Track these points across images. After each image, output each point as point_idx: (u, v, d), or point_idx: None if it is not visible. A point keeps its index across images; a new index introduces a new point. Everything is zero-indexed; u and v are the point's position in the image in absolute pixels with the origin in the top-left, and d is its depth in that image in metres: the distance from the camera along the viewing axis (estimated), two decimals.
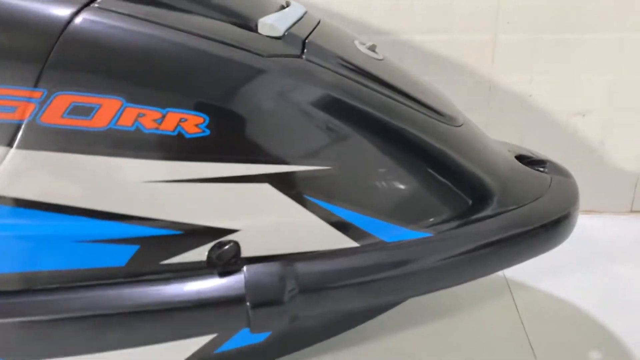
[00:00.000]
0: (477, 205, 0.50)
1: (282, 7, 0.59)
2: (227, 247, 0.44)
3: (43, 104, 0.41)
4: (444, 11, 0.87)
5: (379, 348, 0.63)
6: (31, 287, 0.43)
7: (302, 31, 0.51)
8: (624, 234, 0.93)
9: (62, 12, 0.43)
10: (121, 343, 0.43)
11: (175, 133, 0.42)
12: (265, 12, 0.53)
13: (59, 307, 0.43)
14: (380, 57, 0.55)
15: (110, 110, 0.42)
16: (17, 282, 0.43)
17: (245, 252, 0.44)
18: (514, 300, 0.75)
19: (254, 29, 0.48)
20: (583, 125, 0.93)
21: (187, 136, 0.43)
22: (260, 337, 0.49)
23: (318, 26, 0.54)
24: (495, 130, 0.91)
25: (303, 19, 0.54)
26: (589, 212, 0.96)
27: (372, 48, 0.56)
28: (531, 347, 0.65)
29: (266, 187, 0.44)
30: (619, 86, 0.90)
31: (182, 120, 0.42)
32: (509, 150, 0.61)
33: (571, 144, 0.94)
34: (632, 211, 0.97)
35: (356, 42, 0.56)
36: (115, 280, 0.43)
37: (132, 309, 0.43)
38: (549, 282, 0.78)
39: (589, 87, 0.90)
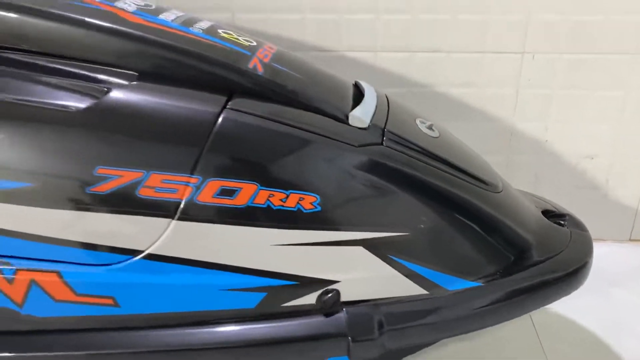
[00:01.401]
0: (517, 258, 0.64)
1: (355, 86, 0.73)
2: (330, 294, 0.58)
3: (198, 187, 0.55)
4: (474, 69, 1.01)
5: None
6: (185, 322, 0.57)
7: (380, 119, 0.64)
8: (624, 261, 1.08)
9: (207, 116, 0.56)
10: None
11: (296, 209, 0.56)
12: (347, 98, 0.67)
13: (206, 338, 0.57)
14: (437, 135, 0.69)
15: (248, 192, 0.55)
16: (175, 319, 0.57)
17: (344, 297, 0.58)
18: (532, 320, 0.89)
19: (345, 120, 0.62)
20: (591, 166, 1.07)
21: (304, 211, 0.56)
22: None
23: (389, 110, 0.68)
24: (515, 168, 1.06)
25: (378, 104, 0.68)
26: (594, 240, 1.11)
27: (430, 127, 0.70)
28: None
29: (360, 249, 0.58)
30: (621, 135, 1.05)
31: (301, 199, 0.56)
32: (536, 206, 0.75)
33: (580, 182, 1.09)
34: (630, 240, 1.12)
35: (417, 121, 0.70)
36: (247, 319, 0.57)
37: (260, 341, 0.57)
38: (562, 304, 0.93)
39: (596, 135, 1.05)
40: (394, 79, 1.02)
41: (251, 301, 0.57)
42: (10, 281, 0.56)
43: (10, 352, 0.58)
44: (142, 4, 0.68)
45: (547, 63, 1.00)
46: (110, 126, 0.56)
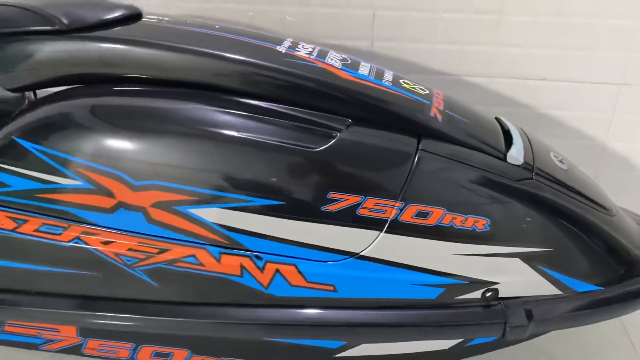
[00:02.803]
0: (626, 269, 0.83)
1: (498, 122, 0.91)
2: (492, 292, 0.78)
3: (401, 210, 0.75)
4: (574, 96, 1.17)
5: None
6: (382, 305, 0.78)
7: (528, 156, 0.83)
8: None
9: (407, 155, 0.76)
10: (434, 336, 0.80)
11: (472, 229, 0.76)
12: (499, 137, 0.85)
13: (397, 318, 0.78)
14: (566, 168, 0.87)
15: (437, 215, 0.75)
16: (376, 303, 0.78)
17: (502, 294, 0.78)
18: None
19: (504, 158, 0.80)
20: None
21: (478, 230, 0.76)
22: (488, 340, 0.84)
23: (532, 147, 0.86)
24: (606, 181, 1.22)
25: (522, 141, 0.86)
26: None
27: (561, 160, 0.88)
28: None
29: (517, 260, 0.77)
30: None
31: (476, 221, 0.75)
32: (637, 223, 0.93)
33: None
34: None
35: (552, 155, 0.88)
36: (428, 306, 0.78)
37: (437, 323, 0.78)
38: None
39: None
40: (505, 100, 1.19)
41: (433, 294, 0.78)
42: (261, 270, 0.77)
43: (252, 322, 0.80)
44: (341, 57, 0.86)
45: None
46: (339, 161, 0.75)
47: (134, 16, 0.86)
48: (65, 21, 0.80)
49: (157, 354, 0.88)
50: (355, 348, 0.83)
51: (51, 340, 0.91)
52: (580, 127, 1.20)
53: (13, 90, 0.85)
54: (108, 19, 0.83)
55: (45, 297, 0.83)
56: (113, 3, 0.89)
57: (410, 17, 1.14)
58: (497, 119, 0.93)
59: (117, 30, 0.83)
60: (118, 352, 0.90)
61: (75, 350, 0.91)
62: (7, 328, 0.90)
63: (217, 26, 0.88)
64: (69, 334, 0.89)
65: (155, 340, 0.87)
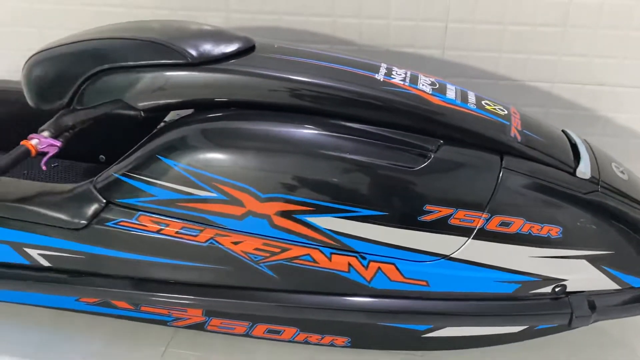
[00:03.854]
0: None
1: (566, 135, 1.03)
2: (561, 287, 0.92)
3: (487, 220, 0.89)
4: (627, 97, 1.28)
5: None
6: (467, 298, 0.93)
7: (594, 169, 0.95)
8: None
9: (493, 173, 0.89)
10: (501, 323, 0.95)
11: (546, 236, 0.89)
12: (568, 151, 0.97)
13: (479, 308, 0.93)
14: (627, 178, 0.99)
15: (518, 224, 0.89)
16: (461, 296, 0.93)
17: (569, 289, 0.93)
18: None
19: (573, 173, 0.93)
20: None
21: (552, 237, 0.90)
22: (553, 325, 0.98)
23: (596, 159, 0.98)
24: None
25: (588, 154, 0.98)
26: None
27: (622, 171, 1.00)
28: None
29: (583, 261, 0.91)
30: None
31: (550, 229, 0.89)
32: None
33: None
34: None
35: (613, 166, 1.00)
36: (506, 298, 0.93)
37: (513, 311, 0.93)
38: None
39: None
40: (565, 104, 1.30)
41: (510, 288, 0.93)
42: (365, 267, 0.93)
43: (354, 309, 0.96)
44: (429, 82, 0.99)
45: None
46: (434, 179, 0.89)
47: (249, 48, 1.00)
48: (195, 55, 0.95)
49: (270, 331, 1.06)
50: (440, 330, 0.99)
51: (179, 319, 1.09)
52: (635, 128, 1.31)
53: (144, 111, 1.00)
54: (229, 52, 0.97)
55: (182, 285, 1.01)
56: (232, 35, 1.02)
57: (479, 29, 1.25)
58: (564, 131, 1.05)
59: (237, 62, 0.97)
60: (235, 328, 1.08)
61: (198, 326, 1.09)
62: (142, 308, 1.08)
63: (322, 55, 1.01)
64: (195, 314, 1.07)
65: (269, 320, 1.04)
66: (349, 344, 1.05)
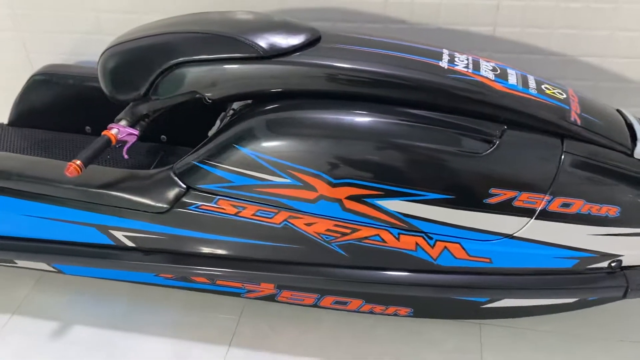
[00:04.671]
0: None
1: (621, 115, 1.06)
2: (617, 262, 0.98)
3: (549, 201, 0.94)
4: None
5: None
6: (526, 273, 1.00)
7: None
8: None
9: (556, 156, 0.94)
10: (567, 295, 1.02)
11: (604, 215, 0.95)
12: (625, 131, 1.01)
13: (539, 282, 1.00)
14: None
15: (578, 205, 0.94)
16: (521, 271, 1.00)
17: (625, 264, 0.98)
18: None
19: (630, 154, 0.97)
20: None
21: (609, 217, 0.95)
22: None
23: None
24: None
25: None
26: None
27: None
28: None
29: (639, 238, 0.96)
30: None
31: (609, 209, 0.94)
32: None
33: None
34: None
35: None
36: (564, 272, 0.99)
37: (571, 286, 1.00)
38: None
39: None
40: (615, 77, 1.32)
41: (569, 264, 0.99)
42: (432, 246, 1.00)
43: (420, 284, 1.04)
44: (491, 67, 1.03)
45: None
46: (500, 164, 0.94)
47: (315, 39, 1.04)
48: (266, 48, 0.99)
49: (337, 302, 1.14)
50: (498, 302, 1.07)
51: (252, 291, 1.18)
52: None
53: (214, 101, 1.06)
54: (297, 45, 1.01)
55: (258, 262, 1.09)
56: (298, 26, 1.06)
57: (532, 6, 1.26)
58: (619, 111, 1.08)
59: (305, 53, 1.01)
60: (304, 299, 1.16)
61: (269, 298, 1.18)
62: (218, 282, 1.17)
63: (386, 43, 1.05)
64: (267, 287, 1.15)
65: (337, 293, 1.12)
66: (412, 314, 1.14)
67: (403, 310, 1.13)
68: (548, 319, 1.14)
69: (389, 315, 1.15)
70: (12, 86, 1.70)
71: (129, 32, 1.13)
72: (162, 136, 1.42)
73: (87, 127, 1.47)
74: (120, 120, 1.11)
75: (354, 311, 1.16)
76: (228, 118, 1.08)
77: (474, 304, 1.08)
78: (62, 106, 1.45)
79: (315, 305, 1.17)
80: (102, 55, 1.09)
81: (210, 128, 1.18)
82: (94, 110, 1.44)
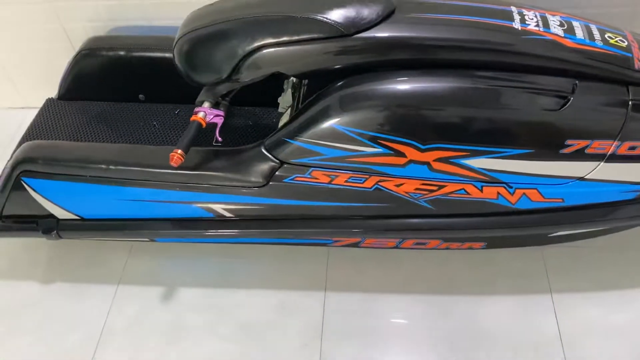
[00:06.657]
0: None
1: None
2: None
3: (618, 147, 1.05)
4: None
5: None
6: (594, 206, 1.13)
7: None
8: None
9: (624, 103, 1.03)
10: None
11: None
12: None
13: (604, 212, 1.14)
14: None
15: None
16: (587, 206, 1.13)
17: None
18: None
19: None
20: None
21: None
22: None
23: None
24: None
25: None
26: None
27: None
28: None
29: None
30: None
31: None
32: None
33: None
34: None
35: None
36: (628, 203, 1.13)
37: (634, 214, 1.14)
38: None
39: None
40: None
41: (632, 195, 1.13)
42: (511, 194, 1.12)
43: (498, 226, 1.17)
44: (558, 22, 1.08)
45: None
46: (574, 117, 1.03)
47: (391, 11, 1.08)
48: (348, 26, 1.03)
49: (417, 243, 1.28)
50: (563, 231, 1.21)
51: (338, 241, 1.30)
52: None
53: (296, 77, 1.11)
54: (375, 18, 1.05)
55: (350, 220, 1.20)
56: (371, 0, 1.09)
57: None
58: None
59: (384, 26, 1.05)
60: (386, 243, 1.30)
61: (354, 244, 1.31)
62: (302, 236, 1.29)
63: (457, 7, 1.09)
64: (352, 235, 1.28)
65: (417, 236, 1.25)
66: (485, 247, 1.28)
67: (477, 245, 1.28)
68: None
69: (464, 249, 1.30)
70: (50, 57, 1.70)
71: (195, 16, 1.14)
72: (140, 95, 1.51)
73: (141, 95, 1.51)
74: (202, 102, 1.16)
75: (432, 249, 1.31)
76: (313, 96, 1.13)
77: (543, 234, 1.23)
78: (113, 77, 1.48)
79: (396, 247, 1.31)
80: (177, 41, 1.12)
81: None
82: (145, 78, 1.47)
